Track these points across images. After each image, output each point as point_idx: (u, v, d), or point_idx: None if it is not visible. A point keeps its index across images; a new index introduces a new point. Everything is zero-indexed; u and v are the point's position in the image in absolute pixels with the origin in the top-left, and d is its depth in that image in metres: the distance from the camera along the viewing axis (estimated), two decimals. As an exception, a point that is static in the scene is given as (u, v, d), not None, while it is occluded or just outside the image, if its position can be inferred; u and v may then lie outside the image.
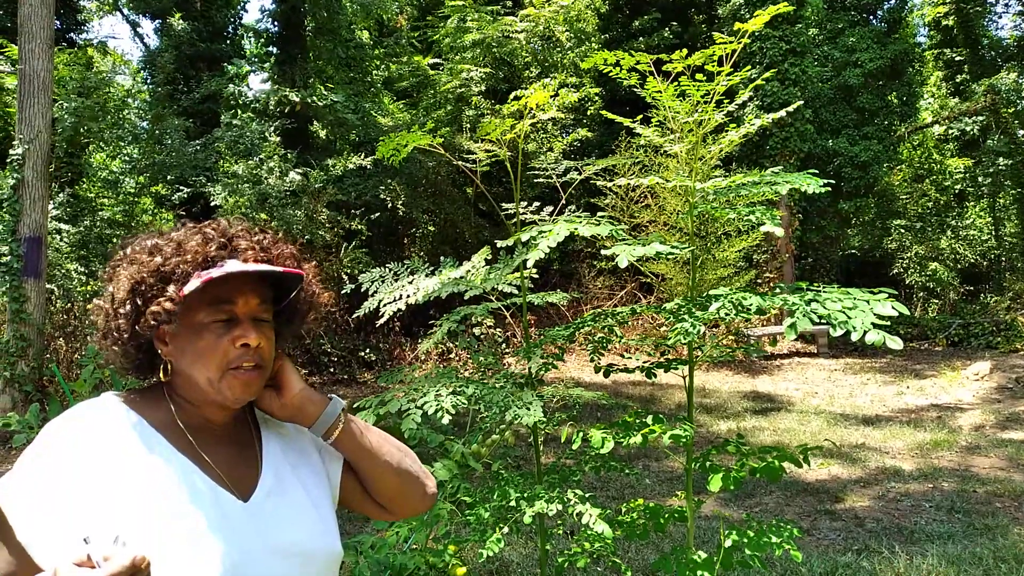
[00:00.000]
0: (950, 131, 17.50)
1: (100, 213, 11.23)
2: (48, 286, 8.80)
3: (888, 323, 1.39)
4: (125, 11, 18.57)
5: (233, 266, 1.11)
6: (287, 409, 1.20)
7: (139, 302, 1.11)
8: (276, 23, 15.67)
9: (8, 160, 8.04)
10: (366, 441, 1.26)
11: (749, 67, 1.97)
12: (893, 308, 1.44)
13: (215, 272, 1.09)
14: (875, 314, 1.42)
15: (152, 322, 1.09)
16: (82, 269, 10.46)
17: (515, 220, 2.23)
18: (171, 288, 1.10)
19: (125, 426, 1.09)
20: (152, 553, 0.94)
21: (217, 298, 1.11)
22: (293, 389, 1.20)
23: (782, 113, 2.02)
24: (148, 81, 16.17)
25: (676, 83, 1.86)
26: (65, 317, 9.77)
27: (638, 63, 1.84)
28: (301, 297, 1.26)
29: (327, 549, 1.19)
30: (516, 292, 2.17)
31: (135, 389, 1.18)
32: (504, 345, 11.15)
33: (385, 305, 2.06)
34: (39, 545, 0.98)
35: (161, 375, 1.16)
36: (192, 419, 1.15)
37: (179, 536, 1.01)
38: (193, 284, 1.08)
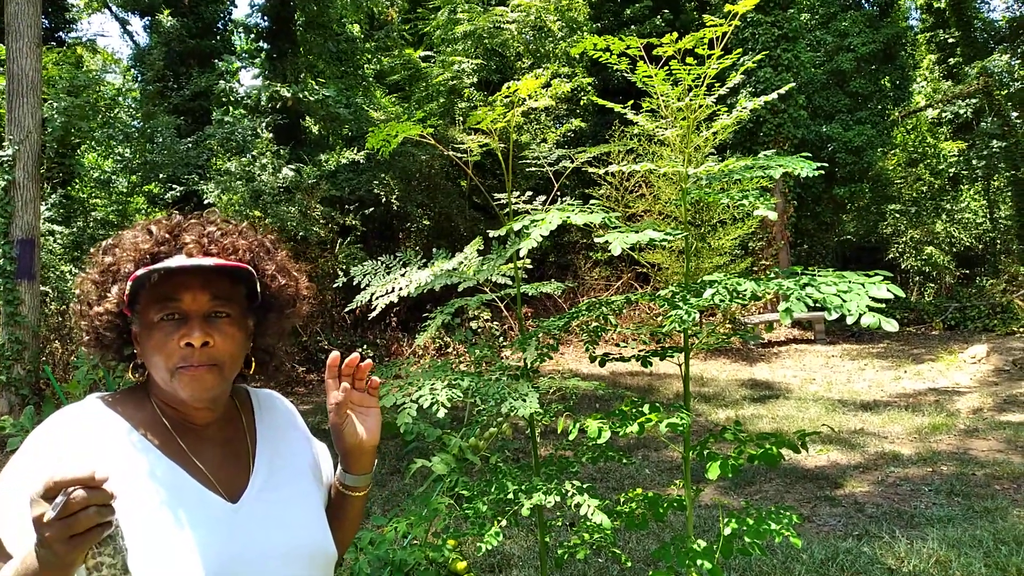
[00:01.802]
0: (943, 114, 17.51)
1: (93, 213, 11.19)
2: (42, 288, 8.76)
3: (884, 306, 1.38)
4: (114, 8, 18.44)
5: (170, 263, 1.07)
6: (366, 449, 1.22)
7: (98, 303, 1.11)
8: (266, 18, 15.60)
9: (-1, 162, 7.99)
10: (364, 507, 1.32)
11: (739, 51, 1.94)
12: (888, 290, 1.42)
13: (140, 271, 1.06)
14: (870, 297, 1.41)
15: (96, 323, 1.09)
16: (76, 271, 10.41)
17: (508, 210, 2.21)
18: (115, 288, 1.09)
19: (107, 427, 1.07)
20: (136, 556, 0.93)
21: (163, 295, 1.08)
22: (377, 424, 1.22)
23: (774, 96, 2.00)
24: (138, 79, 16.08)
25: (667, 68, 1.84)
26: (60, 319, 9.74)
27: (628, 48, 1.81)
28: (271, 289, 1.20)
29: (320, 549, 1.17)
30: (511, 283, 2.16)
31: (121, 390, 1.16)
32: (501, 338, 11.14)
33: (377, 298, 2.04)
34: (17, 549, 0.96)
35: (131, 375, 1.15)
36: (176, 419, 1.13)
37: (163, 539, 1.00)
38: (128, 282, 1.07)
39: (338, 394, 1.18)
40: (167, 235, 1.13)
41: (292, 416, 1.31)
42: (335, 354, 1.18)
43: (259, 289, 1.16)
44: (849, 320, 1.35)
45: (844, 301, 1.39)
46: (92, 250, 1.17)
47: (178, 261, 1.07)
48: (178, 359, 1.07)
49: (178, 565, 0.99)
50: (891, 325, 1.32)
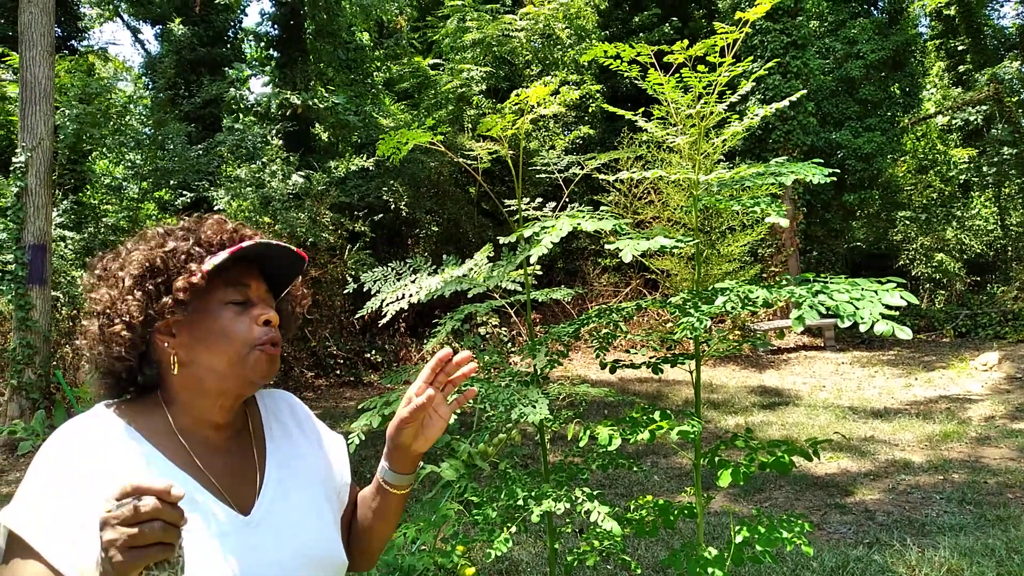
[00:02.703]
0: (953, 121, 17.43)
1: (104, 219, 11.25)
2: (53, 293, 8.81)
3: (896, 313, 1.37)
4: (125, 17, 18.61)
5: (259, 241, 1.12)
6: (417, 451, 1.20)
7: (155, 284, 1.08)
8: (276, 26, 15.70)
9: (11, 168, 8.05)
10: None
11: (751, 58, 1.94)
12: (902, 297, 1.42)
13: (246, 242, 1.09)
14: (883, 304, 1.40)
15: (179, 297, 1.05)
16: (87, 275, 10.45)
17: (518, 217, 2.22)
18: (192, 265, 1.09)
19: (120, 438, 1.05)
20: None
21: (235, 279, 1.10)
22: (436, 436, 1.20)
23: (785, 103, 2.00)
24: (149, 87, 16.21)
25: (678, 75, 1.84)
26: (71, 324, 9.79)
27: (639, 55, 1.82)
28: (292, 290, 1.26)
29: (331, 558, 1.16)
30: (520, 289, 2.16)
31: (128, 399, 1.13)
32: (510, 344, 11.14)
33: (388, 305, 2.05)
34: (66, 565, 0.95)
35: (173, 369, 1.10)
36: (190, 428, 1.11)
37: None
38: (221, 256, 1.07)
39: (421, 397, 1.15)
40: (232, 228, 1.17)
41: (300, 418, 1.29)
42: (447, 350, 1.18)
43: (291, 289, 1.23)
44: (862, 328, 1.34)
45: (857, 309, 1.39)
46: (142, 238, 1.16)
47: (264, 240, 1.12)
48: (259, 334, 1.09)
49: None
50: (904, 333, 1.32)
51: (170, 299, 1.06)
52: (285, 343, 1.26)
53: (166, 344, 1.09)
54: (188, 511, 1.01)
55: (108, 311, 1.09)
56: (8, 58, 10.50)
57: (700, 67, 1.80)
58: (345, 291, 2.41)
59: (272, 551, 1.07)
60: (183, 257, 1.09)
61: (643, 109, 2.08)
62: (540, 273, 2.26)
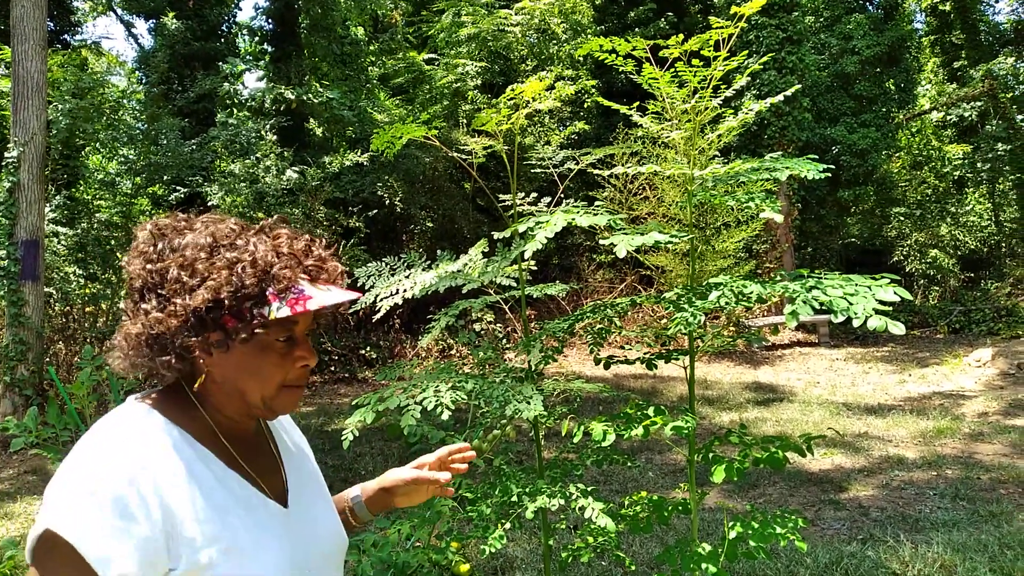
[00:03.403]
0: (948, 117, 17.46)
1: (97, 215, 11.18)
2: (46, 289, 8.77)
3: (890, 309, 1.37)
4: (119, 11, 18.52)
5: (332, 295, 1.04)
6: (395, 505, 1.42)
7: (213, 319, 0.99)
8: (270, 20, 15.65)
9: (3, 163, 8.00)
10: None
11: (745, 53, 1.94)
12: (895, 293, 1.42)
13: (327, 300, 1.01)
14: (877, 300, 1.40)
15: (245, 335, 0.99)
16: (80, 272, 10.43)
17: (512, 212, 2.21)
18: (269, 290, 1.01)
19: (168, 437, 1.01)
20: (218, 566, 0.95)
21: (289, 319, 1.03)
22: (418, 502, 1.44)
23: (780, 98, 1.99)
24: (143, 81, 16.15)
25: (673, 70, 1.83)
26: (64, 320, 9.75)
27: (634, 49, 1.81)
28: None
29: (344, 540, 1.23)
30: (515, 285, 2.15)
31: (157, 394, 1.07)
32: (504, 340, 11.14)
33: (381, 300, 2.04)
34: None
35: (201, 379, 1.06)
36: (227, 428, 1.10)
37: (248, 552, 0.99)
38: (283, 312, 0.99)
39: (438, 475, 1.36)
40: (322, 253, 1.11)
41: (288, 417, 1.33)
42: (463, 444, 1.43)
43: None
44: (856, 323, 1.34)
45: (851, 304, 1.38)
46: (230, 226, 1.06)
47: (340, 295, 1.05)
48: (294, 378, 1.08)
49: (259, 572, 1.00)
50: (898, 328, 1.32)
51: (243, 331, 1.00)
52: None
53: (201, 360, 1.03)
54: (244, 506, 1.03)
55: (154, 327, 1.00)
56: (0, 52, 10.43)
57: (696, 62, 1.79)
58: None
59: (311, 541, 1.13)
60: (250, 298, 1.00)
61: (638, 104, 2.07)
62: (535, 269, 2.25)
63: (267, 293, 1.00)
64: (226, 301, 0.98)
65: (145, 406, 1.03)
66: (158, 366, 1.01)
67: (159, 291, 1.00)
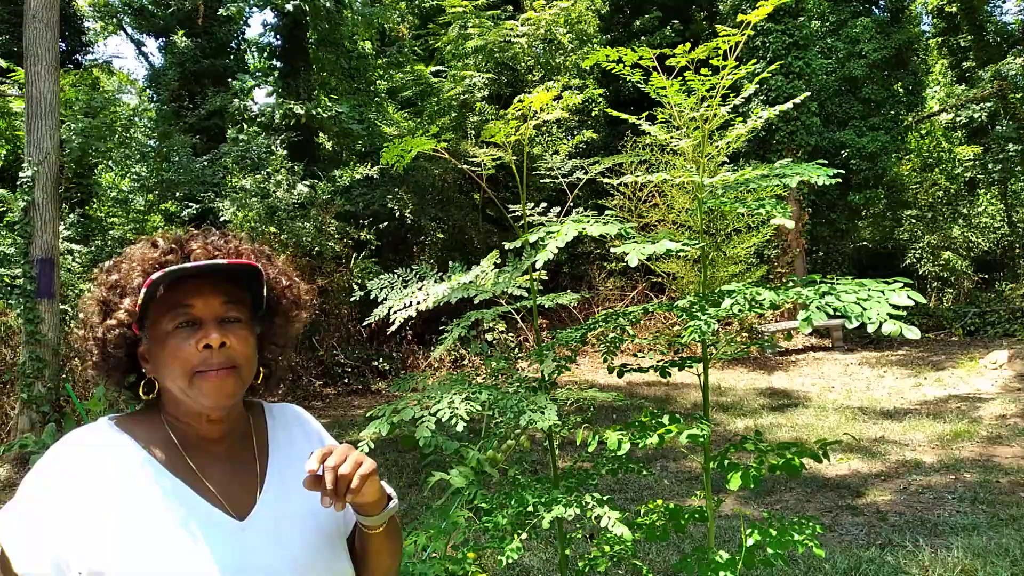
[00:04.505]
0: (958, 119, 17.37)
1: (111, 232, 11.30)
2: (62, 307, 8.84)
3: (904, 313, 1.37)
4: (129, 31, 18.72)
5: (184, 265, 1.09)
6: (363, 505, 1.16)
7: (102, 320, 1.12)
8: (279, 37, 15.77)
9: (18, 183, 8.09)
10: (395, 542, 1.26)
11: (754, 61, 1.94)
12: (909, 297, 1.41)
13: (155, 275, 1.07)
14: (891, 304, 1.40)
15: (106, 339, 1.10)
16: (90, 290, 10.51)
17: (523, 222, 2.22)
18: (126, 301, 1.11)
19: (113, 448, 1.08)
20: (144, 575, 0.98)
21: (175, 302, 1.09)
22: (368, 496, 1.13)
23: (789, 105, 1.99)
24: (154, 99, 16.29)
25: (680, 78, 1.84)
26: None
27: (641, 59, 1.82)
28: (276, 292, 1.22)
29: (328, 568, 1.16)
30: (526, 295, 2.16)
31: (134, 411, 1.17)
32: (517, 350, 11.13)
33: (395, 312, 2.05)
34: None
35: (141, 393, 1.14)
36: (187, 437, 1.13)
37: (168, 558, 1.01)
38: (140, 291, 1.07)
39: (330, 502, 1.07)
40: (173, 245, 1.15)
41: (310, 431, 1.30)
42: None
43: (265, 292, 1.17)
44: (870, 328, 1.34)
45: (865, 309, 1.38)
46: (96, 271, 1.20)
47: (195, 265, 1.09)
48: (198, 362, 1.07)
49: None
50: (913, 332, 1.31)
51: (107, 332, 1.10)
52: (292, 351, 1.27)
53: (144, 369, 1.14)
54: (183, 517, 1.04)
55: (82, 348, 1.16)
56: (13, 73, 10.57)
57: (704, 71, 1.80)
58: (352, 299, 2.41)
59: (263, 555, 1.09)
60: (122, 290, 1.12)
61: (647, 113, 2.08)
62: (546, 278, 2.26)
63: (140, 285, 1.10)
64: (106, 300, 1.13)
65: (106, 422, 1.12)
66: (107, 380, 1.15)
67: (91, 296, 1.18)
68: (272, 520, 1.12)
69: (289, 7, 13.74)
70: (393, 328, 2.10)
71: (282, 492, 1.16)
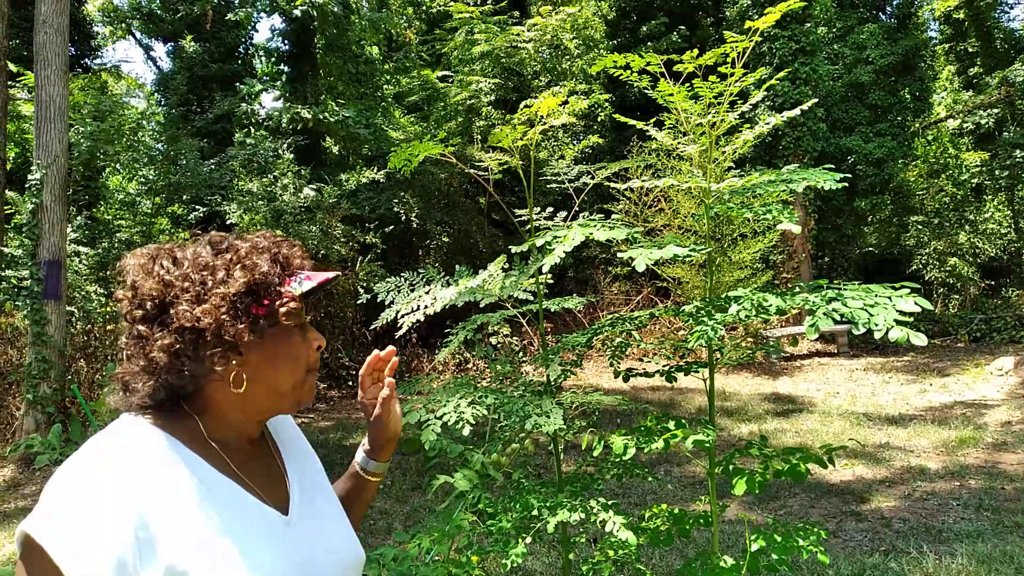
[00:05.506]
0: (965, 125, 17.33)
1: (118, 235, 11.34)
2: (68, 308, 8.88)
3: (911, 319, 1.37)
4: (138, 35, 18.83)
5: (323, 275, 1.15)
6: (395, 438, 1.37)
7: (246, 304, 1.05)
8: (286, 42, 15.83)
9: (27, 185, 8.14)
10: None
11: (762, 68, 1.95)
12: (916, 303, 1.42)
13: (326, 276, 1.14)
14: (898, 310, 1.40)
15: (281, 320, 1.09)
16: (101, 291, 10.56)
17: (529, 227, 2.23)
18: (285, 289, 1.11)
19: (163, 450, 1.02)
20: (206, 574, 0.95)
21: (299, 300, 1.13)
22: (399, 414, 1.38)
23: (796, 112, 2.00)
24: (162, 103, 16.39)
25: (688, 84, 1.85)
26: (86, 338, 9.86)
27: (648, 65, 1.83)
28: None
29: (359, 557, 1.20)
30: (532, 299, 2.17)
31: (152, 411, 1.08)
32: (521, 353, 11.14)
33: (403, 316, 2.06)
34: None
35: (233, 387, 1.07)
36: (223, 437, 1.10)
37: (237, 559, 0.99)
38: (311, 283, 1.11)
39: (386, 390, 1.33)
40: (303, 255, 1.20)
41: (289, 426, 1.32)
42: (380, 352, 1.36)
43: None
44: (877, 335, 1.34)
45: (872, 315, 1.38)
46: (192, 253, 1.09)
47: (326, 274, 1.16)
48: (313, 362, 1.15)
49: None
50: (920, 339, 1.32)
51: (264, 322, 1.07)
52: None
53: (234, 362, 1.05)
54: (238, 514, 1.03)
55: (194, 325, 1.02)
56: (23, 77, 10.63)
57: (712, 77, 1.81)
58: (358, 302, 2.43)
59: (310, 549, 1.11)
60: (276, 280, 1.09)
61: (654, 120, 2.09)
62: (551, 282, 2.27)
63: (282, 277, 1.10)
64: (255, 287, 1.06)
65: (140, 419, 1.05)
66: (170, 383, 1.04)
67: (186, 296, 1.03)
68: (307, 516, 1.15)
69: (297, 12, 13.80)
70: (401, 332, 2.11)
71: (305, 489, 1.19)
